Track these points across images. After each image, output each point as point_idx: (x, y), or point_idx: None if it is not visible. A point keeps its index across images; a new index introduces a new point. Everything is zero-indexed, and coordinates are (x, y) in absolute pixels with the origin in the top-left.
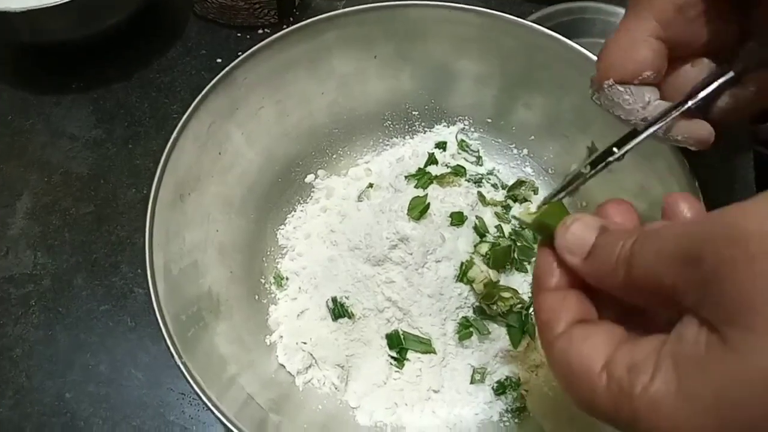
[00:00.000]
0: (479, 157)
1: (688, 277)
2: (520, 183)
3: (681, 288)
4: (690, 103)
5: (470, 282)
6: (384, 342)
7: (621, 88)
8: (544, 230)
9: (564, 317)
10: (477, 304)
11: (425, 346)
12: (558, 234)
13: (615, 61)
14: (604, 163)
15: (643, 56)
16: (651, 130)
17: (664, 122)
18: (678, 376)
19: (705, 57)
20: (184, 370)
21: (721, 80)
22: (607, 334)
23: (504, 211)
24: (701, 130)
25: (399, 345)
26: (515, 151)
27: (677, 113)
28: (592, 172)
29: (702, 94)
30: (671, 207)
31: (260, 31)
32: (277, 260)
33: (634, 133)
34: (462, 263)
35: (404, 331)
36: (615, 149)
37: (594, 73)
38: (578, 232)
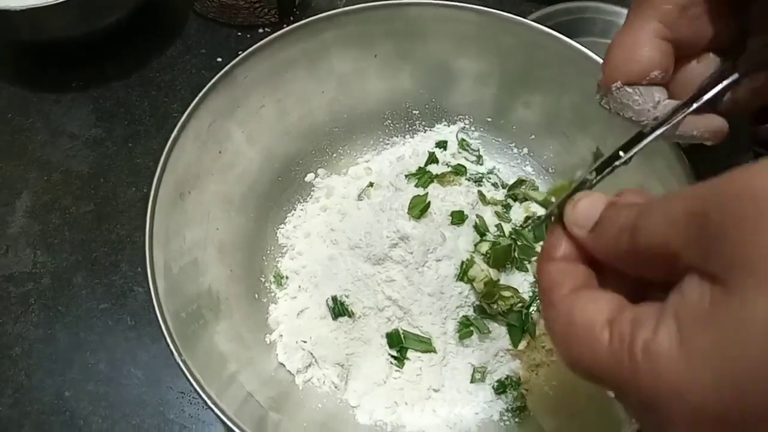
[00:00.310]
0: (479, 156)
1: (693, 233)
2: (520, 182)
3: (685, 245)
4: (694, 105)
5: (471, 281)
6: (384, 341)
7: (629, 90)
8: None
9: (568, 282)
10: (477, 303)
11: (425, 345)
12: (566, 209)
13: (621, 63)
14: (611, 168)
15: (649, 57)
16: (657, 132)
17: (669, 124)
18: (680, 330)
19: (710, 53)
20: (183, 368)
21: (725, 82)
22: (613, 297)
23: (504, 210)
24: (714, 121)
25: (399, 344)
26: (515, 150)
27: (682, 115)
28: (599, 177)
29: (706, 96)
30: None
31: (260, 30)
32: (277, 259)
33: (640, 136)
34: (462, 262)
35: (404, 330)
36: (622, 153)
37: (599, 77)
38: (585, 206)
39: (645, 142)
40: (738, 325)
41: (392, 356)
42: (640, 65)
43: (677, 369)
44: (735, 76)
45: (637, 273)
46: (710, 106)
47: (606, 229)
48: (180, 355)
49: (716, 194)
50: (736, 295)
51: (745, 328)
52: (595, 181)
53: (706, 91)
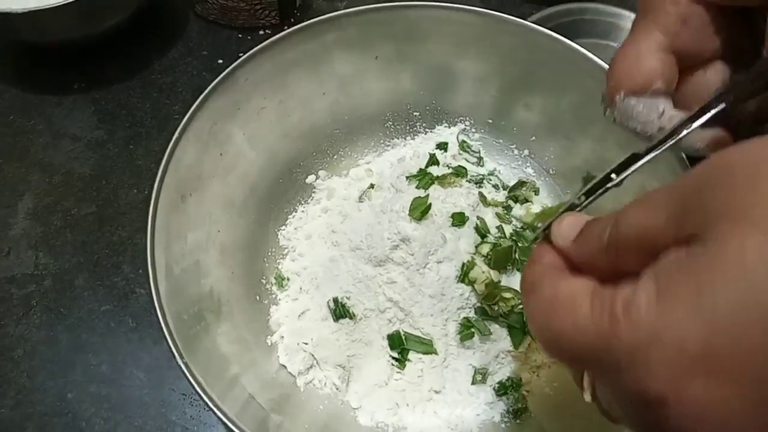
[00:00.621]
0: (480, 158)
1: (671, 209)
2: (521, 184)
3: (664, 221)
4: (684, 132)
5: (471, 282)
6: (385, 342)
7: (634, 101)
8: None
9: (553, 274)
10: (478, 304)
11: (426, 347)
12: (553, 226)
13: (624, 73)
14: (602, 190)
15: (651, 67)
16: (650, 155)
17: (662, 148)
18: (658, 285)
19: (718, 61)
20: (185, 370)
21: (710, 113)
22: (593, 280)
23: (505, 211)
24: (717, 135)
25: (400, 345)
26: (516, 151)
27: (672, 142)
28: (588, 200)
29: (695, 124)
30: None
31: (261, 32)
32: (278, 261)
33: (633, 158)
34: (463, 264)
35: (405, 332)
36: (614, 175)
37: (604, 88)
38: (570, 221)
39: (638, 164)
40: (713, 267)
41: (393, 358)
42: (643, 76)
43: (655, 316)
44: (722, 105)
45: (617, 271)
46: (717, 119)
47: (589, 233)
48: (182, 357)
49: (693, 173)
50: (710, 244)
51: (720, 268)
52: (583, 204)
53: (703, 114)
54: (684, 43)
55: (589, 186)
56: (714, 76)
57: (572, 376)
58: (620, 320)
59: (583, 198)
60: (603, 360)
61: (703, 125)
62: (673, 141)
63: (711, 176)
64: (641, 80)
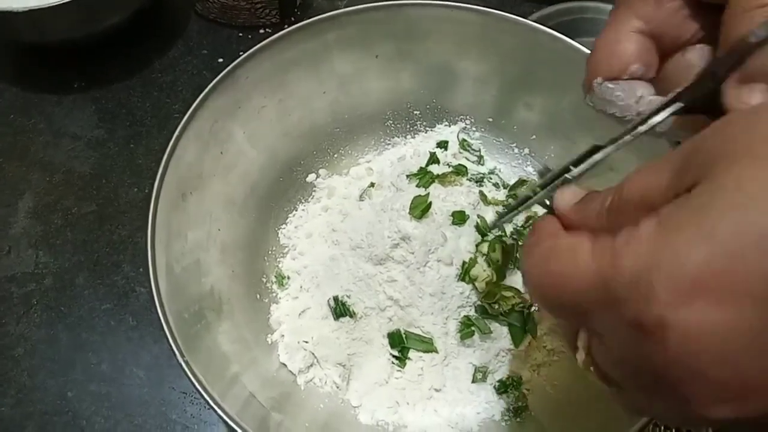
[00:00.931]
0: (481, 157)
1: (674, 166)
2: (521, 182)
3: (667, 182)
4: (641, 128)
5: (472, 281)
6: (385, 341)
7: (611, 85)
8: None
9: (554, 232)
10: (479, 303)
11: (427, 345)
12: (556, 195)
13: (601, 58)
14: (560, 180)
15: (628, 51)
16: (609, 149)
17: (620, 142)
18: (659, 220)
19: (698, 44)
20: (186, 369)
21: (670, 110)
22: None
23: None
24: (703, 123)
25: (401, 344)
26: (516, 150)
27: (630, 137)
28: (542, 192)
29: (656, 119)
30: None
31: (261, 31)
32: (278, 259)
33: (592, 151)
34: (464, 262)
35: (406, 330)
36: (572, 167)
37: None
38: (573, 190)
39: (598, 156)
40: (713, 197)
41: (394, 356)
42: (619, 60)
43: (656, 244)
44: (679, 105)
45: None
46: (707, 105)
47: (590, 198)
48: (182, 355)
49: (694, 137)
50: (709, 181)
51: (719, 196)
52: (537, 197)
53: (669, 105)
54: (659, 25)
55: (544, 179)
56: (695, 58)
57: (566, 339)
58: (621, 253)
59: (538, 190)
60: (602, 299)
61: (687, 111)
62: (629, 137)
63: (710, 132)
64: (617, 64)
